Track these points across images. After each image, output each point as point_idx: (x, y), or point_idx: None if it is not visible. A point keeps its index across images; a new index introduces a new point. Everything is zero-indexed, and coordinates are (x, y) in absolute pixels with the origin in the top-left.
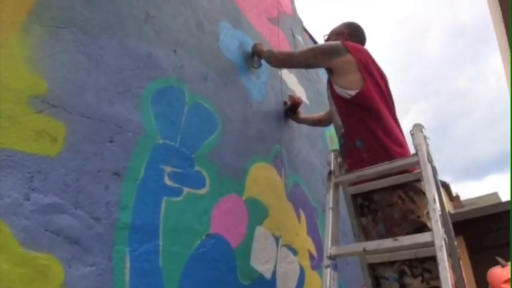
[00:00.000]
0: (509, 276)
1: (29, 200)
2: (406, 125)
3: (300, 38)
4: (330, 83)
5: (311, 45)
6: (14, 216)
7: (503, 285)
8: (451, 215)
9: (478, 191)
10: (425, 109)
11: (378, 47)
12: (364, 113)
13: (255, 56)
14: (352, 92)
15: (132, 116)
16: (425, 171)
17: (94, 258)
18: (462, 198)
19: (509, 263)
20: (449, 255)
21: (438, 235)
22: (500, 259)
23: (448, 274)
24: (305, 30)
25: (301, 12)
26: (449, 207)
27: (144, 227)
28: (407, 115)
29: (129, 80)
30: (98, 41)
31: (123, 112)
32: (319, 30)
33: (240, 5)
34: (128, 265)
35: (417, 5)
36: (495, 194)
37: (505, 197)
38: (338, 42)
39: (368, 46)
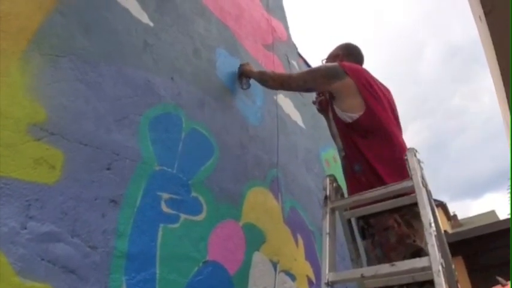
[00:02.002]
0: None
1: (26, 228)
2: None
3: (295, 63)
4: (331, 105)
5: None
6: (11, 244)
7: None
8: (450, 235)
9: (475, 209)
10: (421, 128)
11: (373, 68)
12: (361, 138)
13: (242, 77)
14: (354, 116)
15: (130, 143)
16: (420, 196)
17: None
18: (460, 217)
19: (509, 282)
20: (447, 278)
21: (435, 260)
22: (500, 278)
23: None
24: (300, 55)
25: (296, 38)
26: (447, 226)
27: (140, 255)
28: (404, 134)
29: (127, 108)
30: (96, 69)
31: (120, 139)
32: (314, 55)
33: (236, 33)
34: None
35: (410, 27)
36: (492, 212)
37: (502, 215)
38: (336, 64)
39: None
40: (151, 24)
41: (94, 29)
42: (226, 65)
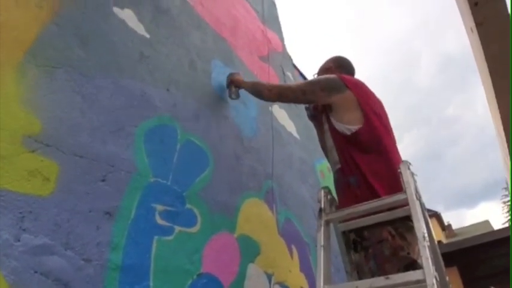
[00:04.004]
0: None
1: (19, 240)
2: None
3: (290, 74)
4: (327, 117)
5: (301, 81)
6: (4, 257)
7: None
8: (444, 245)
9: (470, 219)
10: (417, 138)
11: (368, 78)
12: (358, 151)
13: (231, 87)
14: (353, 128)
15: (125, 155)
16: (414, 209)
17: None
18: (455, 226)
19: None
20: None
21: (429, 273)
22: None
23: None
24: (295, 67)
25: (291, 49)
26: (441, 237)
27: (135, 268)
28: (401, 144)
29: (123, 119)
30: (93, 80)
31: (116, 151)
32: (309, 66)
33: (231, 44)
34: None
35: (406, 36)
36: (486, 222)
37: (496, 225)
38: (335, 76)
39: (359, 77)
40: (147, 35)
41: (90, 40)
42: (221, 76)
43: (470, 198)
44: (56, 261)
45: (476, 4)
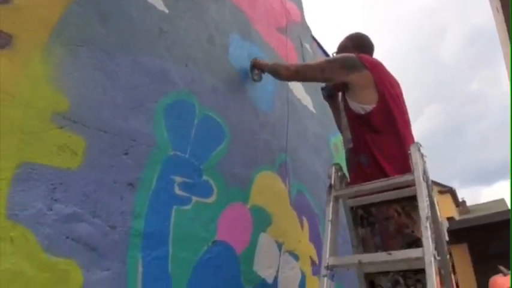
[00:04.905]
0: (510, 285)
1: (51, 210)
2: (418, 128)
3: (308, 46)
4: (343, 96)
5: (319, 54)
6: (38, 225)
7: None
8: (456, 222)
9: (487, 196)
10: (438, 112)
11: (392, 51)
12: (371, 132)
13: (255, 69)
14: (368, 107)
15: (146, 130)
16: (420, 190)
17: (110, 264)
18: (470, 203)
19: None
20: (441, 269)
21: (428, 252)
22: (502, 268)
23: None
24: (313, 38)
25: (310, 20)
26: (455, 213)
27: (155, 235)
28: (421, 117)
29: (143, 95)
30: (113, 58)
31: (137, 126)
32: (328, 38)
33: (249, 16)
34: (140, 270)
35: (433, 9)
36: (502, 201)
37: None
38: (353, 55)
39: (379, 51)
40: (166, 11)
41: (110, 17)
42: (239, 50)
43: (488, 176)
44: (84, 228)
45: None
